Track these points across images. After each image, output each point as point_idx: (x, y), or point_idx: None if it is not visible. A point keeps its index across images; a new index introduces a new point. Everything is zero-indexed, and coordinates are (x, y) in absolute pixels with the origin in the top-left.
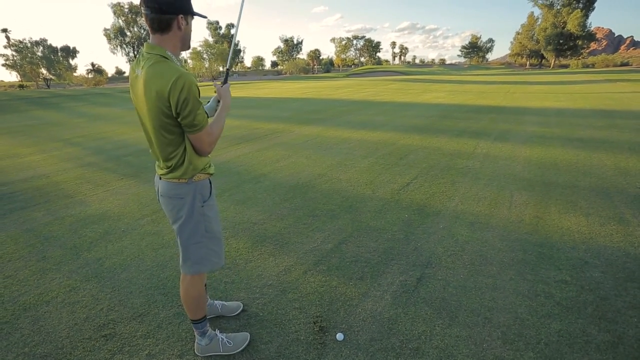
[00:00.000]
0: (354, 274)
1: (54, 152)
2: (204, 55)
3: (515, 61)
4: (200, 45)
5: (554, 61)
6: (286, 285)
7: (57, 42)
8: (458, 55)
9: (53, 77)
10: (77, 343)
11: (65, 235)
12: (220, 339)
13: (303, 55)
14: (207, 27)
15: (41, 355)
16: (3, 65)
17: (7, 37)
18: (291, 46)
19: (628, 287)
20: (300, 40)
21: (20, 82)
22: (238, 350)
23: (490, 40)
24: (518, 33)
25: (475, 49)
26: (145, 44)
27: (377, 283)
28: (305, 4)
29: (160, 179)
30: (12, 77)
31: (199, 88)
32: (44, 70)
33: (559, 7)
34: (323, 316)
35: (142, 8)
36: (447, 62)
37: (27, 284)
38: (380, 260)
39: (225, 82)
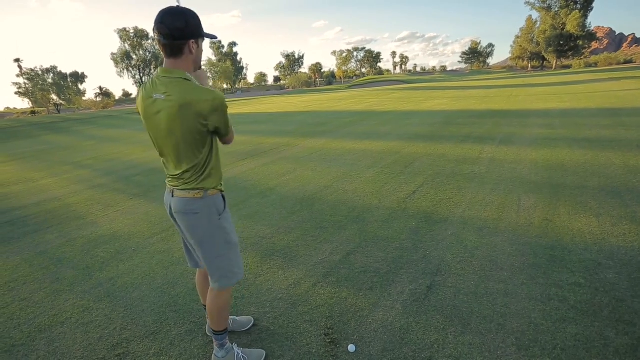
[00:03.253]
0: (364, 284)
1: (65, 175)
2: (208, 74)
3: (517, 64)
4: (204, 65)
5: (556, 62)
6: (296, 298)
7: (66, 69)
8: (459, 62)
9: (63, 102)
10: None
11: (78, 257)
12: (236, 354)
13: (305, 69)
14: (210, 47)
15: None
16: (16, 93)
17: (20, 67)
18: (293, 61)
19: None
20: (301, 54)
21: (32, 109)
22: None
23: (490, 45)
24: (517, 37)
25: (476, 55)
26: (160, 68)
27: (387, 293)
28: (306, 20)
29: (173, 195)
30: (24, 104)
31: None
32: (54, 96)
33: (556, 10)
34: (334, 328)
35: (155, 34)
36: (449, 68)
37: (42, 305)
38: (389, 270)
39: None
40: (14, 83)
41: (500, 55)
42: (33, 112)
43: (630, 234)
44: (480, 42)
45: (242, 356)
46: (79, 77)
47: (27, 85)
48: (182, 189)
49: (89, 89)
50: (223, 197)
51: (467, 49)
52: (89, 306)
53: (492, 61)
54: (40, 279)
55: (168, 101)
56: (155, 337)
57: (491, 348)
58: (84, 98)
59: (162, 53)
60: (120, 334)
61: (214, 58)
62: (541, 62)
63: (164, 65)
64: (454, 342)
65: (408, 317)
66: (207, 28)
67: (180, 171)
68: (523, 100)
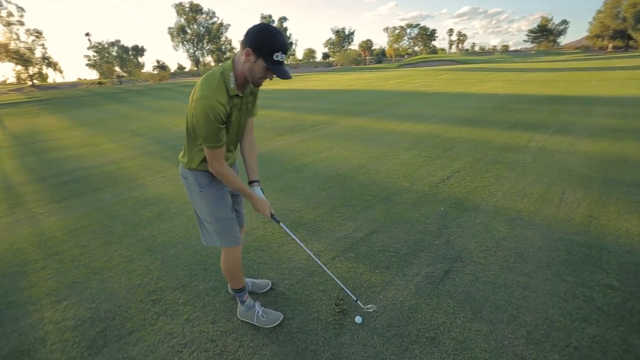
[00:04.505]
0: (381, 262)
1: (122, 142)
2: None
3: (594, 44)
4: None
5: None
6: (314, 269)
7: (128, 42)
8: (524, 41)
9: (125, 74)
10: (131, 304)
11: (127, 214)
12: (256, 311)
13: (354, 46)
14: (261, 21)
15: (104, 311)
16: (86, 65)
17: (89, 40)
18: (342, 37)
19: None
20: (351, 31)
21: (99, 80)
22: (269, 326)
23: (564, 22)
24: (599, 12)
25: (545, 33)
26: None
27: (403, 273)
28: None
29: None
30: (93, 75)
31: (219, 112)
32: (117, 68)
33: None
34: (345, 299)
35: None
36: (511, 48)
37: (96, 252)
38: (408, 251)
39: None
40: (85, 55)
41: (575, 33)
42: (100, 83)
43: None
44: (552, 19)
45: (262, 314)
46: (139, 51)
47: (95, 58)
48: (181, 158)
49: (147, 62)
50: (212, 174)
51: (535, 26)
52: (133, 257)
53: (564, 40)
54: (96, 230)
55: None
56: (185, 289)
57: (498, 337)
58: (142, 71)
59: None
60: (156, 283)
61: None
62: (626, 41)
63: (235, 59)
64: (461, 326)
65: (419, 298)
66: (259, 3)
67: (184, 145)
68: (593, 85)
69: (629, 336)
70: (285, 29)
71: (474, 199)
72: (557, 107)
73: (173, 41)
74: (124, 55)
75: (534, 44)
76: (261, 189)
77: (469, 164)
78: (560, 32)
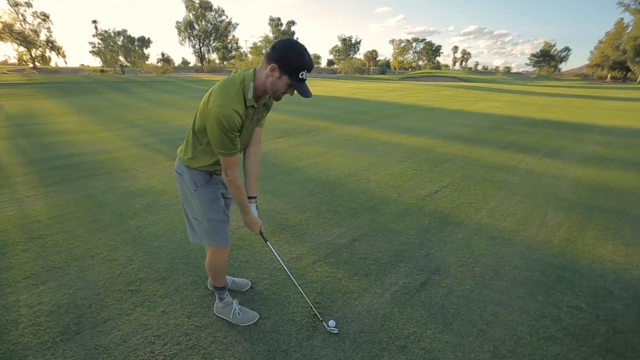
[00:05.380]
0: (360, 269)
1: (118, 131)
2: (263, 51)
3: (594, 73)
4: (260, 41)
5: None
6: (294, 271)
7: (135, 33)
8: (526, 64)
9: (128, 64)
10: (109, 293)
11: (115, 204)
12: (234, 309)
13: (360, 55)
14: (269, 23)
15: (81, 298)
16: (90, 52)
17: (96, 27)
18: (348, 45)
19: None
20: (358, 40)
21: (102, 68)
22: (243, 324)
23: (566, 49)
24: (601, 42)
25: (547, 58)
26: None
27: (381, 281)
28: (369, 4)
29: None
30: (96, 62)
31: (235, 121)
32: (121, 58)
33: None
34: (321, 303)
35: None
36: (514, 70)
37: (80, 239)
38: (389, 261)
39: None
40: (89, 42)
41: (576, 61)
42: (102, 71)
43: None
44: (555, 45)
45: (238, 312)
46: (144, 42)
47: (100, 46)
48: (179, 152)
49: (152, 54)
50: (211, 174)
51: (538, 50)
52: (116, 246)
53: (564, 67)
54: (82, 217)
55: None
56: (164, 282)
57: (466, 350)
58: (146, 62)
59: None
60: (136, 273)
61: (271, 35)
62: (624, 73)
63: (256, 69)
64: (431, 337)
65: (393, 307)
66: (269, 5)
67: (185, 142)
68: (587, 113)
69: (591, 357)
70: (293, 33)
71: (458, 215)
72: (551, 132)
73: (180, 35)
74: (129, 46)
75: (535, 68)
76: (256, 207)
77: (458, 180)
78: (562, 59)
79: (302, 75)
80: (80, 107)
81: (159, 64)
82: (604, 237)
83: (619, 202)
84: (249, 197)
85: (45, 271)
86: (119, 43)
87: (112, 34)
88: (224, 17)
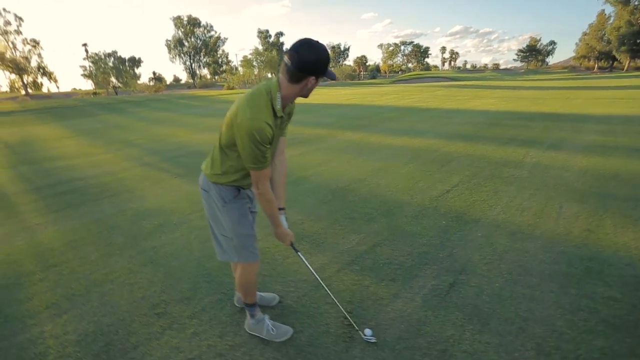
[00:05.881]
0: (386, 275)
1: (118, 152)
2: (254, 63)
3: (581, 64)
4: (250, 54)
5: (629, 63)
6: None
7: (125, 53)
8: (514, 60)
9: (120, 85)
10: (135, 317)
11: (127, 226)
12: (266, 325)
13: (349, 61)
14: (258, 36)
15: (107, 324)
16: (82, 75)
17: (86, 51)
18: (338, 53)
19: None
20: (347, 46)
21: (94, 90)
22: (278, 340)
23: (552, 43)
24: (585, 34)
25: (534, 52)
26: (274, 77)
27: (409, 285)
28: (355, 11)
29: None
30: (87, 85)
31: (266, 134)
32: (113, 79)
33: (636, 3)
34: (353, 312)
35: (285, 56)
36: (502, 66)
37: (97, 264)
38: (413, 264)
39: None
40: (80, 66)
41: (562, 54)
42: (95, 94)
43: None
44: (540, 39)
45: (271, 328)
46: (135, 62)
47: (91, 68)
48: (205, 167)
49: (144, 73)
50: (238, 189)
51: (524, 46)
52: (135, 269)
53: (552, 60)
54: (96, 241)
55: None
56: (190, 302)
57: (509, 349)
58: (138, 82)
59: (282, 70)
60: (159, 295)
61: (260, 47)
62: (610, 62)
63: (279, 79)
64: (471, 339)
65: (427, 310)
66: (256, 17)
67: (212, 158)
68: (582, 103)
69: (637, 348)
70: (282, 44)
71: (474, 213)
72: (549, 124)
73: (170, 53)
74: (121, 66)
75: (523, 63)
76: (285, 218)
77: (467, 178)
78: (549, 52)
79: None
80: (77, 131)
81: (151, 83)
82: (623, 224)
83: (630, 189)
84: (279, 209)
85: (66, 299)
86: (110, 64)
87: (103, 56)
88: (212, 32)
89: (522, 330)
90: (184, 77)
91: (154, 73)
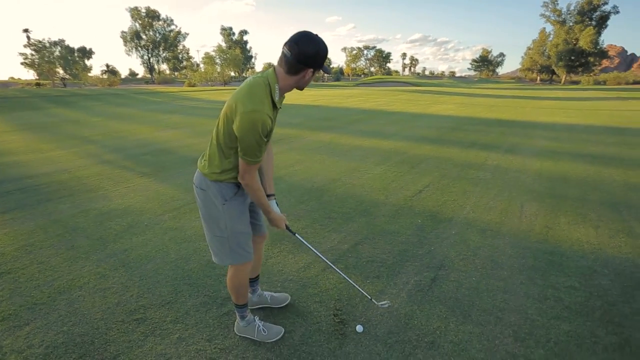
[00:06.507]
0: (371, 272)
1: (73, 149)
2: (217, 60)
3: (526, 76)
4: (213, 51)
5: (565, 77)
6: (306, 280)
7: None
8: (468, 69)
9: (69, 77)
10: (111, 325)
11: (91, 227)
12: (257, 326)
13: None
14: (221, 33)
15: (79, 334)
16: (22, 63)
17: (28, 37)
18: None
19: (636, 294)
20: None
21: (37, 81)
22: (270, 341)
23: (501, 55)
24: (529, 48)
25: (486, 63)
26: (272, 67)
27: (393, 282)
28: (320, 14)
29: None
30: (29, 75)
31: (267, 125)
32: (60, 70)
33: (571, 24)
34: (343, 310)
35: (284, 47)
36: (457, 74)
37: (60, 270)
38: (395, 262)
39: (289, 229)
40: (20, 53)
41: (510, 65)
42: (38, 84)
43: (625, 246)
44: (491, 51)
45: (262, 329)
46: (86, 53)
47: (33, 57)
48: (202, 165)
49: (95, 66)
50: (238, 186)
51: (477, 56)
52: (105, 274)
53: (501, 71)
54: (56, 245)
55: (240, 88)
56: (171, 306)
57: (490, 337)
58: (90, 74)
59: (278, 60)
60: (137, 301)
61: (223, 44)
62: (550, 75)
63: (276, 70)
64: (455, 330)
65: (412, 305)
66: (219, 14)
67: (209, 153)
68: (530, 112)
69: (596, 329)
70: (246, 42)
71: (446, 212)
72: (504, 130)
73: (126, 46)
74: (69, 57)
75: (476, 72)
76: (276, 203)
77: (436, 179)
78: (498, 63)
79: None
80: (22, 125)
81: (105, 76)
82: (576, 221)
83: (578, 189)
84: (268, 195)
85: (26, 309)
86: (57, 54)
87: (48, 44)
88: (173, 27)
89: (500, 319)
90: (141, 71)
91: (108, 66)
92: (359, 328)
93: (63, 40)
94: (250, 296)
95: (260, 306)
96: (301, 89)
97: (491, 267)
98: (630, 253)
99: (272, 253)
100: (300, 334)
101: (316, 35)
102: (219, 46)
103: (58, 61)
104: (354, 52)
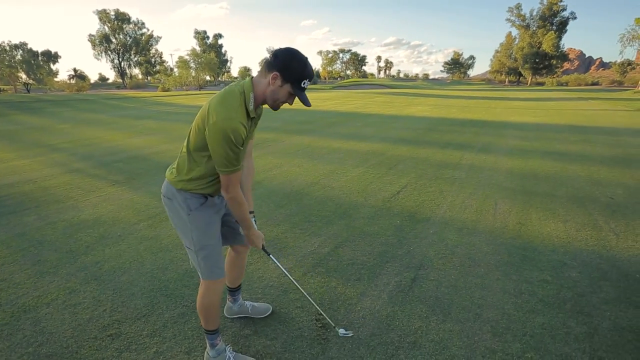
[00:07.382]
0: (352, 275)
1: (39, 158)
2: (191, 64)
3: (495, 78)
4: (187, 54)
5: (531, 79)
6: (287, 286)
7: (37, 47)
8: (441, 71)
9: (33, 82)
10: (82, 342)
11: (60, 240)
12: (227, 357)
13: None
14: (195, 37)
15: (46, 355)
16: None
17: None
18: None
19: (602, 285)
20: None
21: None
22: None
23: (472, 57)
24: (497, 51)
25: (457, 65)
26: (250, 77)
27: (374, 284)
28: (295, 17)
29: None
30: None
31: (241, 134)
32: (23, 75)
33: (534, 29)
34: (325, 313)
35: (270, 54)
36: (431, 76)
37: (24, 286)
38: (375, 263)
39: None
40: None
41: (480, 67)
42: None
43: (591, 239)
44: (462, 54)
45: None
46: (51, 57)
47: None
48: (169, 173)
49: (62, 70)
50: (206, 197)
51: (449, 59)
52: (76, 288)
53: (472, 73)
54: (20, 260)
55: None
56: (147, 319)
57: (469, 334)
58: (56, 79)
59: (260, 69)
60: (110, 315)
61: (198, 48)
62: (518, 77)
63: (253, 80)
64: (436, 328)
65: (394, 306)
66: (193, 17)
67: (178, 162)
68: (500, 112)
69: (567, 320)
70: (221, 46)
71: (424, 212)
72: (477, 130)
73: (95, 49)
74: (32, 61)
75: (449, 74)
76: (255, 220)
77: (414, 179)
78: (469, 66)
79: (304, 84)
80: None
81: (72, 81)
82: (545, 217)
83: (547, 186)
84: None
85: None
86: (18, 57)
87: (8, 47)
88: (144, 30)
89: (478, 316)
90: (111, 76)
91: (75, 70)
92: (341, 331)
93: (25, 44)
94: (232, 305)
95: (241, 316)
96: (274, 105)
97: (469, 264)
98: (596, 245)
99: (252, 259)
100: (283, 341)
101: (303, 55)
102: (193, 50)
103: (20, 65)
104: (330, 55)
